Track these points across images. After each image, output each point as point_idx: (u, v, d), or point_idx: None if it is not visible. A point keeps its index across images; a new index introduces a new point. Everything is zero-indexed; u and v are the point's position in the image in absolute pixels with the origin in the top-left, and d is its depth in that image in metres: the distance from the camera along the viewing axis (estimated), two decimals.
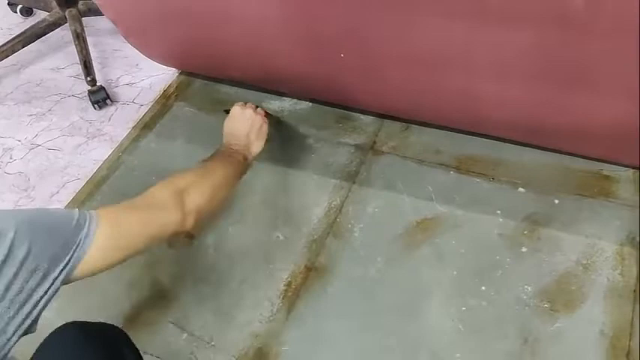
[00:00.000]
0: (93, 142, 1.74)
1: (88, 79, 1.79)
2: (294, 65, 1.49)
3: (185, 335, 1.29)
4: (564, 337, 1.20)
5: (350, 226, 1.45)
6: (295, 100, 1.76)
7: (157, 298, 1.37)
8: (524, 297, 1.27)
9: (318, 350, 1.24)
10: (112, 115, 1.82)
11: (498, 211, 1.42)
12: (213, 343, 1.27)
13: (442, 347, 1.22)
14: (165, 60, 1.81)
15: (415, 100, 1.42)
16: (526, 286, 1.28)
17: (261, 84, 1.74)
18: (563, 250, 1.33)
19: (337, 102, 1.67)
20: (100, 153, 1.70)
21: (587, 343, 1.19)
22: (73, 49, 1.91)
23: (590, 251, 1.32)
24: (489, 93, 1.25)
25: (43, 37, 1.96)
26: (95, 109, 1.81)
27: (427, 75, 1.28)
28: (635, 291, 1.25)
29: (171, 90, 1.87)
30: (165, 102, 1.83)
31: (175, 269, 1.41)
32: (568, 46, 1.08)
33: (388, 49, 1.23)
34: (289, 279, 1.36)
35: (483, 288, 1.30)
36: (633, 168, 1.46)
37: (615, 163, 1.46)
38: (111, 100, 1.82)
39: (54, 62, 2.03)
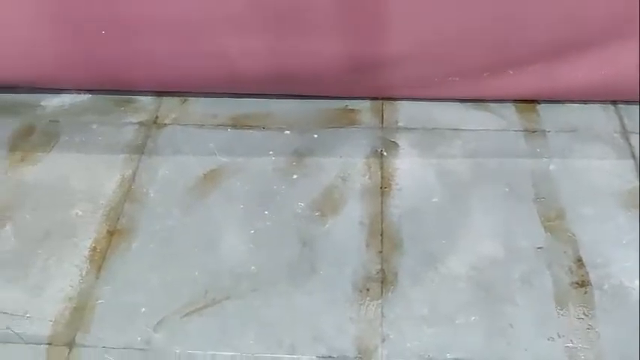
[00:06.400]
0: None
1: None
2: (62, 56, 1.60)
3: None
4: (334, 233, 1.48)
5: (145, 190, 1.59)
6: (75, 95, 1.85)
7: None
8: (299, 211, 1.53)
9: (130, 296, 1.37)
10: None
11: (271, 152, 1.67)
12: (28, 315, 1.34)
13: (239, 265, 1.42)
14: None
15: (179, 67, 1.62)
16: (300, 203, 1.54)
17: (35, 84, 1.80)
18: (325, 170, 1.62)
19: (114, 87, 1.79)
20: None
21: (351, 233, 1.48)
22: None
23: (345, 167, 1.63)
24: (233, 48, 1.49)
25: None
26: None
27: (182, 38, 1.48)
28: (381, 188, 1.57)
29: None
30: None
31: None
32: None
33: (139, 14, 1.40)
34: (94, 245, 1.47)
35: (266, 212, 1.53)
36: (370, 99, 1.80)
37: (355, 98, 1.79)
38: None
39: None
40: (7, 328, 1.31)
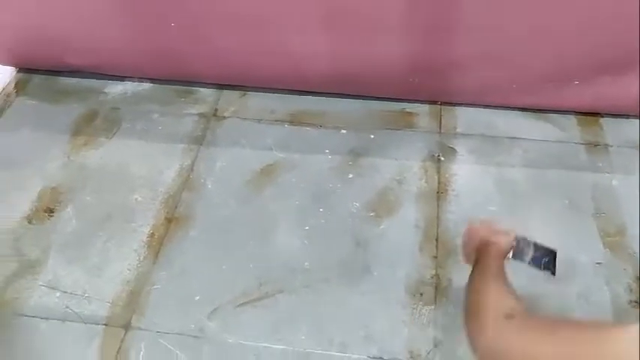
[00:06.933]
0: None
1: None
2: (130, 45, 1.64)
3: (58, 294, 1.38)
4: (388, 234, 1.48)
5: (202, 180, 1.62)
6: (137, 83, 1.89)
7: (25, 268, 1.43)
8: (354, 211, 1.53)
9: (185, 283, 1.39)
10: None
11: (327, 151, 1.68)
12: (87, 295, 1.37)
13: (292, 260, 1.43)
14: (0, 56, 1.85)
15: (243, 62, 1.64)
16: (355, 203, 1.54)
17: (101, 69, 1.85)
18: (380, 171, 1.62)
19: (177, 77, 1.83)
20: None
21: (406, 236, 1.47)
22: None
23: (401, 170, 1.62)
24: (297, 46, 1.50)
25: None
26: None
27: (249, 34, 1.50)
28: (437, 192, 1.56)
29: (11, 87, 1.91)
30: (7, 99, 1.87)
31: (39, 241, 1.48)
32: None
33: (211, 10, 1.43)
34: (152, 231, 1.50)
35: (321, 210, 1.54)
36: (429, 103, 1.79)
37: (414, 101, 1.78)
38: None
39: None
40: (67, 307, 1.35)
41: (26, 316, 1.34)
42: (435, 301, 1.34)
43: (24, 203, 1.56)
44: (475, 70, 1.60)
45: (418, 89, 1.73)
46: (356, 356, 1.25)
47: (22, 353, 1.27)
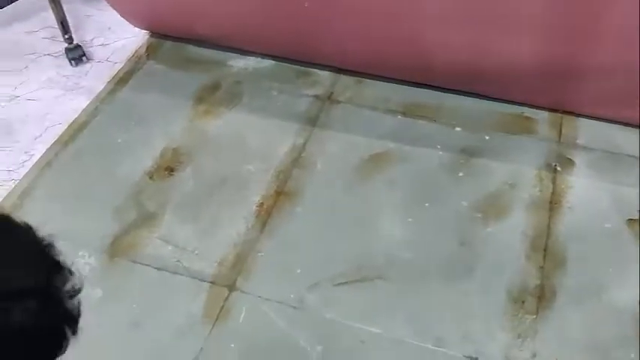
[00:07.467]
0: (71, 94, 1.88)
1: (66, 36, 1.92)
2: (260, 20, 1.69)
3: (171, 247, 1.46)
4: (494, 238, 1.45)
5: (313, 160, 1.66)
6: (259, 59, 1.96)
7: (143, 220, 1.52)
8: (461, 210, 1.51)
9: (288, 255, 1.44)
10: (88, 71, 1.96)
11: (439, 146, 1.67)
12: (196, 252, 1.45)
13: (394, 249, 1.44)
14: (136, 19, 1.97)
15: (370, 50, 1.65)
16: (462, 202, 1.53)
17: (228, 42, 1.92)
18: (493, 174, 1.59)
19: (299, 57, 1.87)
20: (78, 103, 1.84)
21: (513, 241, 1.44)
22: (44, 15, 2.04)
23: (515, 175, 1.59)
24: (429, 38, 1.50)
25: (14, 3, 2.07)
26: (72, 65, 1.95)
27: (381, 23, 1.51)
28: (550, 202, 1.52)
29: (143, 50, 2.03)
30: (138, 60, 1.99)
31: (158, 197, 1.57)
32: None
33: None
34: (261, 202, 1.56)
35: (427, 204, 1.53)
36: (549, 110, 1.73)
37: (534, 106, 1.73)
38: (87, 58, 1.96)
39: (27, 26, 2.14)
40: (178, 260, 1.43)
41: (141, 263, 1.43)
42: (537, 311, 1.31)
43: (147, 159, 1.66)
44: (608, 81, 1.53)
45: (542, 94, 1.68)
46: (452, 353, 1.25)
47: (135, 297, 1.37)
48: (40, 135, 1.75)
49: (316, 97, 1.83)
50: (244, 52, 1.97)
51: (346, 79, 1.88)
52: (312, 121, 1.76)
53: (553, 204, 1.51)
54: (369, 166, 1.63)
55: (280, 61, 1.94)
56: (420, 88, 1.81)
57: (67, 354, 0.56)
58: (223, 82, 1.89)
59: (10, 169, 1.65)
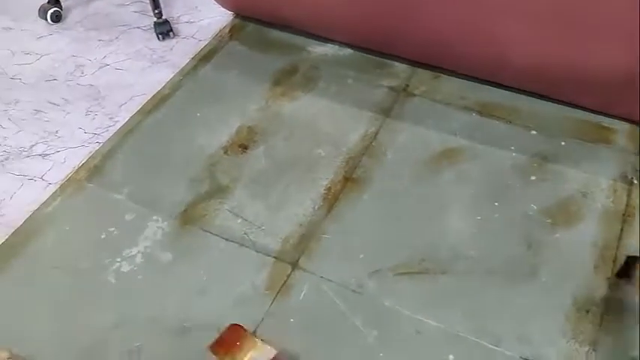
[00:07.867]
0: (156, 67, 1.96)
1: (156, 11, 2.01)
2: (344, 8, 1.72)
3: (240, 220, 1.51)
4: (562, 245, 1.43)
5: (383, 149, 1.67)
6: (338, 47, 1.98)
7: (215, 191, 1.58)
8: (530, 213, 1.50)
9: (352, 240, 1.46)
10: (174, 46, 2.04)
11: (512, 147, 1.65)
12: (263, 228, 1.49)
13: (459, 245, 1.44)
14: (224, 0, 2.03)
15: (447, 44, 1.65)
16: (532, 205, 1.51)
17: (310, 28, 1.96)
18: (566, 180, 1.56)
19: (377, 47, 1.89)
20: (162, 75, 1.92)
21: (581, 251, 1.41)
22: None
23: (588, 183, 1.55)
24: (511, 35, 1.48)
25: None
26: (159, 39, 2.03)
27: (462, 14, 1.50)
28: (623, 214, 1.48)
29: (227, 30, 2.09)
30: (222, 40, 2.05)
31: (231, 171, 1.63)
32: None
33: None
34: (329, 185, 1.59)
35: (496, 204, 1.52)
36: (628, 122, 1.69)
37: (612, 116, 1.69)
38: (174, 33, 2.04)
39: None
40: (245, 233, 1.48)
41: (210, 233, 1.49)
42: (601, 323, 1.29)
43: (223, 135, 1.72)
44: None
45: (622, 105, 1.63)
46: (509, 353, 1.24)
47: (202, 264, 1.42)
48: (125, 103, 1.83)
49: (391, 88, 1.84)
50: (324, 39, 2.00)
51: (423, 73, 1.88)
52: (385, 111, 1.77)
53: (626, 216, 1.47)
54: (440, 160, 1.63)
55: (359, 51, 1.96)
56: (497, 87, 1.80)
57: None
58: (301, 67, 1.93)
59: (96, 132, 1.74)
